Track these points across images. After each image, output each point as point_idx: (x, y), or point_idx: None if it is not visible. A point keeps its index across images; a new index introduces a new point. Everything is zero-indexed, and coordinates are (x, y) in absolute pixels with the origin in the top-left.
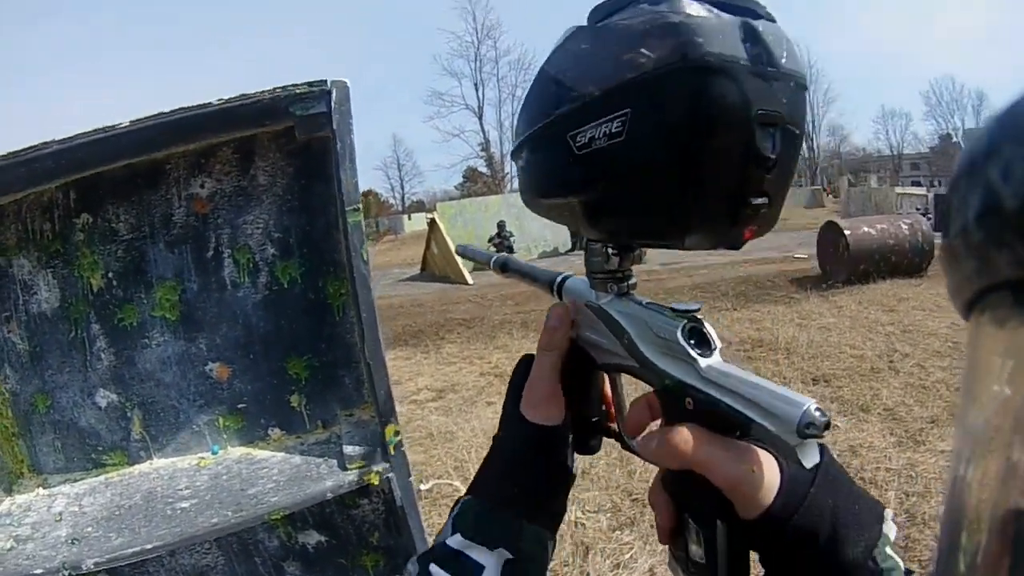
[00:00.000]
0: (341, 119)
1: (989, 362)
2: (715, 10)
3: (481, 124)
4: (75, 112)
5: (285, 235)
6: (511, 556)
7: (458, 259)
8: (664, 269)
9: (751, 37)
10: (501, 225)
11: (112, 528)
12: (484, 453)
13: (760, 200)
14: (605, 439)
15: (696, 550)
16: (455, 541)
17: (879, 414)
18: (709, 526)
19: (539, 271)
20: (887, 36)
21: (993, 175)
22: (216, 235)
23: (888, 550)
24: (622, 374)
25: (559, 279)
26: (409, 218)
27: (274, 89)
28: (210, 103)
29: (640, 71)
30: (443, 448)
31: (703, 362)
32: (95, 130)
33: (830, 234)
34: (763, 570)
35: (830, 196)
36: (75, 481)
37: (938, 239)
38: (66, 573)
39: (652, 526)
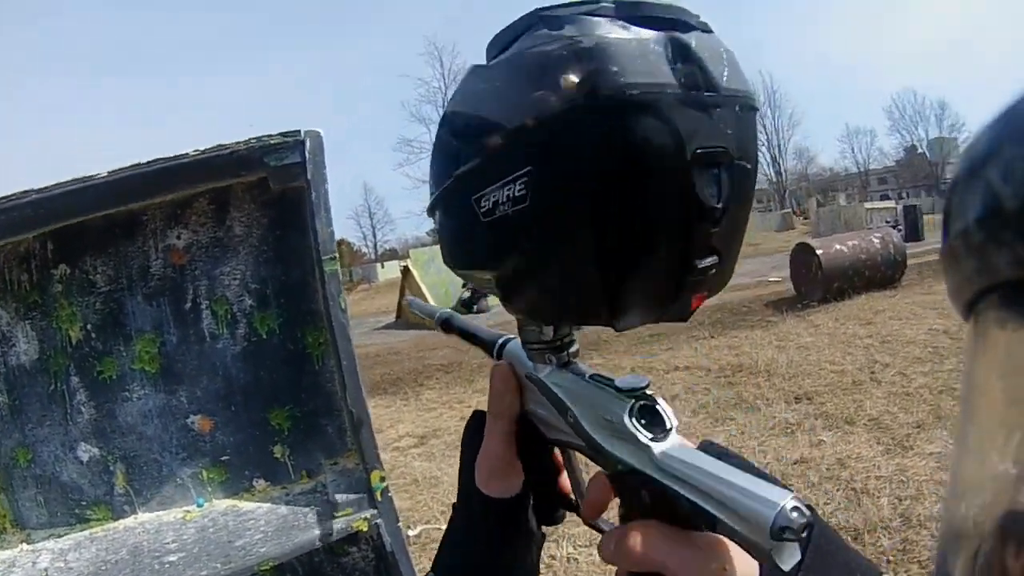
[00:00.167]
0: (315, 169)
1: (989, 363)
2: (633, 27)
3: None
4: None
5: (262, 286)
6: None
7: (431, 302)
8: None
9: (681, 56)
10: None
11: None
12: None
13: (708, 260)
14: None
15: None
16: None
17: (864, 425)
18: None
19: (481, 331)
20: (843, 54)
21: (993, 176)
22: (194, 286)
23: None
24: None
25: (500, 342)
26: (382, 266)
27: (248, 140)
28: (187, 153)
29: (539, 116)
30: (429, 493)
31: (657, 448)
32: (73, 180)
33: (802, 255)
34: None
35: (800, 218)
36: (59, 536)
37: (910, 248)
38: None
39: None
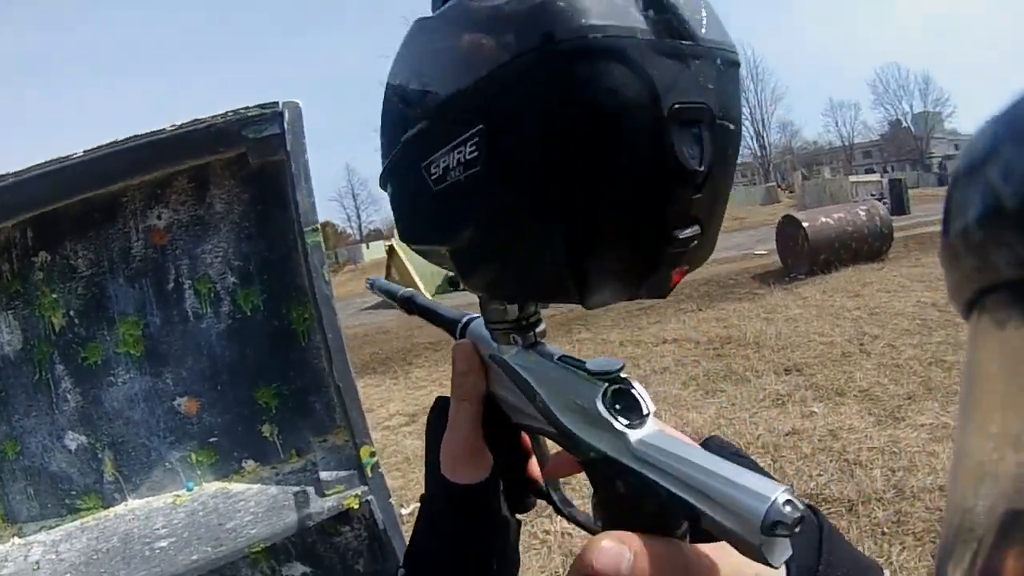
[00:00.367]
0: (294, 140)
1: (989, 362)
2: None
3: None
4: None
5: (245, 262)
6: None
7: (419, 282)
8: None
9: (653, 1)
10: None
11: (91, 574)
12: None
13: (689, 231)
14: None
15: None
16: None
17: (855, 396)
18: None
19: (443, 310)
20: (825, 28)
21: (993, 175)
22: (175, 266)
23: None
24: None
25: (463, 321)
26: (367, 247)
27: (226, 113)
28: (163, 129)
29: (490, 67)
30: (421, 471)
31: (633, 435)
32: (49, 161)
33: (788, 228)
34: None
35: (785, 192)
36: (51, 528)
37: (895, 222)
38: None
39: None
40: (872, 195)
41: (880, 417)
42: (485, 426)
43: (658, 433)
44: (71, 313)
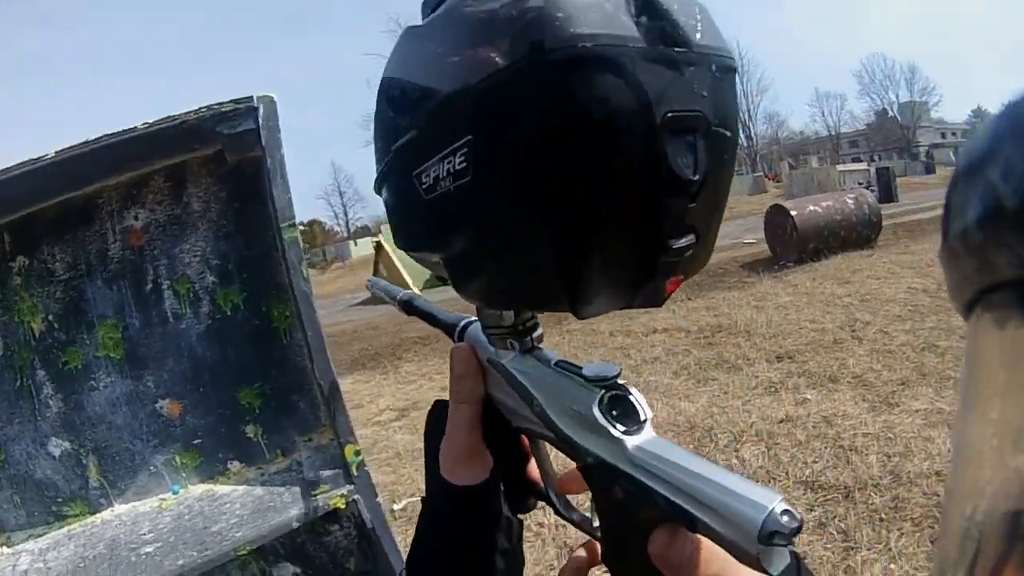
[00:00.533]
0: (269, 135)
1: (989, 363)
2: None
3: None
4: None
5: (223, 261)
6: None
7: (407, 278)
8: None
9: (646, 8)
10: None
11: None
12: None
13: (684, 240)
14: None
15: None
16: None
17: (848, 382)
18: None
19: (442, 313)
20: (812, 21)
21: (993, 175)
22: (154, 267)
23: None
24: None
25: (461, 324)
26: (355, 244)
27: (199, 109)
28: (135, 127)
29: (479, 77)
30: (412, 466)
31: (631, 442)
32: (21, 164)
33: (777, 217)
34: None
35: (772, 181)
36: (38, 537)
37: (884, 210)
38: None
39: None
40: (860, 183)
41: (874, 403)
42: (484, 428)
43: (656, 439)
44: (50, 318)
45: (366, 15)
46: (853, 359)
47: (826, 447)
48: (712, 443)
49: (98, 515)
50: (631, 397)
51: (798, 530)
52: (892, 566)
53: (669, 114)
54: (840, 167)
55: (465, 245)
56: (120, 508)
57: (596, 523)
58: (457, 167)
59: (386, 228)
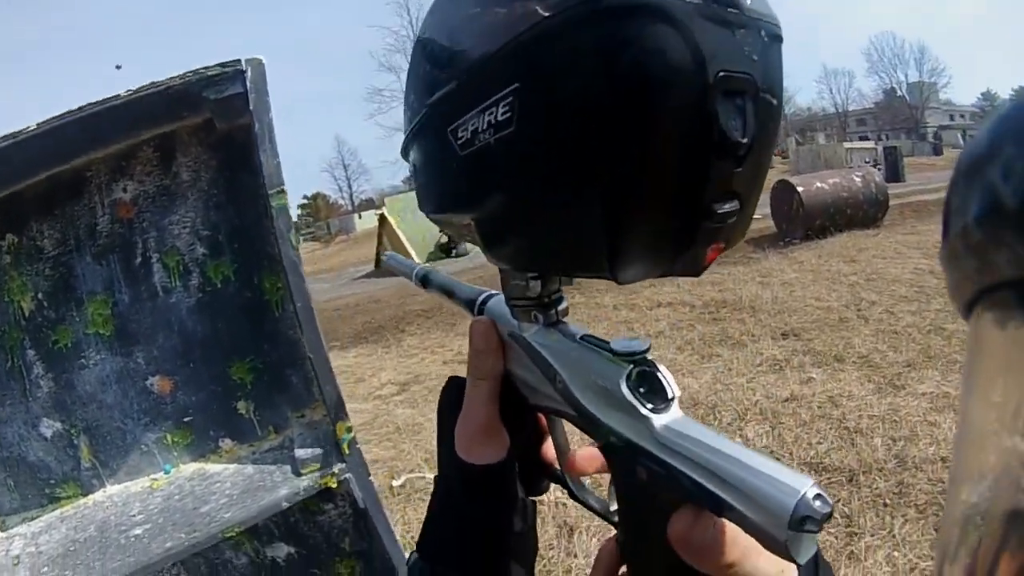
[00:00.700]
0: (258, 99)
1: (989, 362)
2: None
3: None
4: None
5: (214, 232)
6: None
7: (410, 249)
8: None
9: None
10: None
11: (68, 566)
12: None
13: (728, 206)
14: None
15: None
16: None
17: (854, 363)
18: None
19: (461, 287)
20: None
21: (993, 175)
22: (143, 240)
23: None
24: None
25: (481, 298)
26: (359, 217)
27: (185, 73)
28: (118, 95)
29: (527, 26)
30: (411, 441)
31: (658, 420)
32: (3, 136)
33: (783, 192)
34: None
35: (779, 157)
36: (32, 520)
37: (890, 190)
38: None
39: None
40: (867, 162)
41: (880, 384)
42: (503, 406)
43: (683, 419)
44: (40, 296)
45: None
46: (859, 339)
47: (831, 428)
48: (716, 420)
49: (90, 496)
50: (659, 374)
51: (829, 516)
52: (896, 554)
53: (721, 73)
54: (847, 144)
55: (502, 203)
56: (112, 489)
57: (613, 507)
58: (500, 118)
59: (390, 201)
